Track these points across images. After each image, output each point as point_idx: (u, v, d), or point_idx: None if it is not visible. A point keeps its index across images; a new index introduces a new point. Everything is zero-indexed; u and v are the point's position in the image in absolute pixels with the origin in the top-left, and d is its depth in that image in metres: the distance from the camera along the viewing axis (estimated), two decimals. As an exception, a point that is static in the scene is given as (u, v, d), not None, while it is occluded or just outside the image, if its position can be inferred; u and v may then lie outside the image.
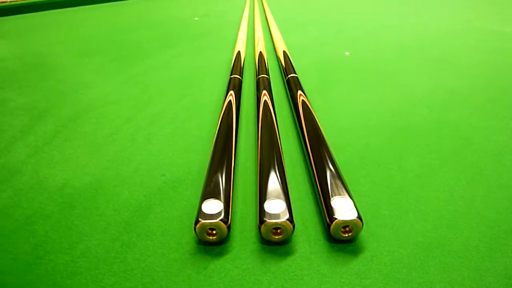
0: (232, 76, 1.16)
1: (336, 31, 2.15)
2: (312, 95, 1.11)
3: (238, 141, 0.88)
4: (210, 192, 0.61)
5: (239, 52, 1.46)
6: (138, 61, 1.59)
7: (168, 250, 0.56)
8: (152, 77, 1.35)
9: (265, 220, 0.54)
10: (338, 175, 0.65)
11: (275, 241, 0.56)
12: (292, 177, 0.73)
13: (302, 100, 0.97)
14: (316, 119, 0.88)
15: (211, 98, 1.13)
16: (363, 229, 0.57)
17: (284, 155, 0.74)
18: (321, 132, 0.82)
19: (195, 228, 0.54)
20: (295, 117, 0.94)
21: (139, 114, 1.05)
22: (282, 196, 0.59)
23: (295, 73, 1.18)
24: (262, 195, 0.60)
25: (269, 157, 0.72)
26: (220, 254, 0.55)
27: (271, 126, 0.86)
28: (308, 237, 0.58)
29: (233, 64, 1.31)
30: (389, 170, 0.75)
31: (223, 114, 0.91)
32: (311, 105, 0.94)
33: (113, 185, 0.73)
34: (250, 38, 1.94)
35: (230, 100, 0.97)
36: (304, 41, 1.90)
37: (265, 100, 0.97)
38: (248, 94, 1.17)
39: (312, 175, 0.69)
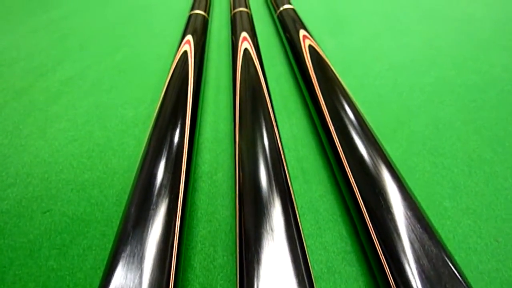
0: (192, 12, 0.74)
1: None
2: (322, 38, 0.71)
3: (199, 129, 0.49)
4: (123, 258, 0.24)
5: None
6: (62, 0, 1.11)
7: None
8: (75, 22, 0.90)
9: None
10: (417, 211, 0.29)
11: None
12: (310, 215, 0.35)
13: (309, 45, 0.56)
14: (339, 79, 0.49)
15: (160, 51, 0.71)
16: None
17: (286, 158, 0.37)
18: (355, 107, 0.44)
19: None
20: (299, 78, 0.55)
21: (39, 82, 0.63)
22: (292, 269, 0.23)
23: (291, 4, 0.76)
24: (245, 270, 0.23)
25: (255, 167, 0.36)
26: None
27: (259, 94, 0.48)
28: None
29: (196, -5, 0.87)
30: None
31: (171, 78, 0.51)
32: (325, 55, 0.54)
33: None
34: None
35: (185, 52, 0.56)
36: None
37: (245, 50, 0.57)
38: (219, 41, 0.75)
39: (354, 209, 0.32)
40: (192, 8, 0.76)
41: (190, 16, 0.72)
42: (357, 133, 0.41)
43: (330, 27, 0.77)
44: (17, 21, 0.93)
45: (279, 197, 0.34)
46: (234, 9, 0.76)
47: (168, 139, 0.41)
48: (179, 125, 0.43)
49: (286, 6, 0.73)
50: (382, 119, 0.48)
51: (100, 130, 0.50)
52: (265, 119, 0.44)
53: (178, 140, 0.41)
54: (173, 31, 0.79)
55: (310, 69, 0.52)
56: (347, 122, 0.42)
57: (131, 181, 0.36)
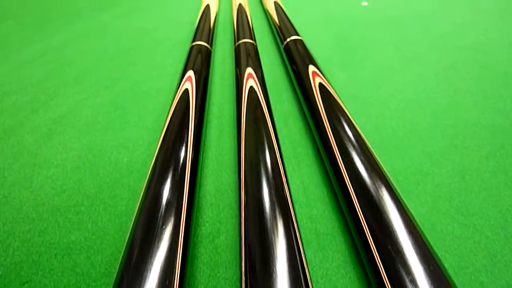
0: (194, 43, 0.70)
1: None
2: (331, 70, 0.67)
3: (200, 179, 0.45)
4: None
5: (208, 6, 0.98)
6: (63, 26, 1.08)
7: None
8: (74, 51, 0.87)
9: None
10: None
11: None
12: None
13: (320, 83, 0.52)
14: (353, 122, 0.45)
15: (161, 85, 0.68)
16: None
17: (297, 216, 0.33)
18: (372, 156, 0.39)
19: None
20: (309, 119, 0.50)
21: (30, 120, 0.59)
22: None
23: (298, 35, 0.72)
24: None
25: (263, 229, 0.32)
26: None
27: (266, 139, 0.43)
28: None
29: (198, 24, 0.84)
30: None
31: (172, 117, 0.47)
32: (337, 95, 0.50)
33: None
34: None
35: (186, 91, 0.53)
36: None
37: (251, 87, 0.53)
38: (222, 74, 0.71)
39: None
40: (194, 39, 0.73)
41: (192, 47, 0.69)
42: (375, 187, 0.36)
43: (339, 59, 0.73)
44: (13, 49, 0.90)
45: (292, 273, 0.29)
46: (238, 39, 0.73)
47: (166, 194, 0.37)
48: (178, 177, 0.39)
49: (294, 37, 0.70)
50: (402, 169, 0.44)
51: (92, 178, 0.46)
52: (272, 168, 0.40)
53: (177, 195, 0.37)
54: (175, 60, 0.76)
55: (321, 111, 0.47)
56: (364, 174, 0.38)
57: (123, 246, 0.31)
